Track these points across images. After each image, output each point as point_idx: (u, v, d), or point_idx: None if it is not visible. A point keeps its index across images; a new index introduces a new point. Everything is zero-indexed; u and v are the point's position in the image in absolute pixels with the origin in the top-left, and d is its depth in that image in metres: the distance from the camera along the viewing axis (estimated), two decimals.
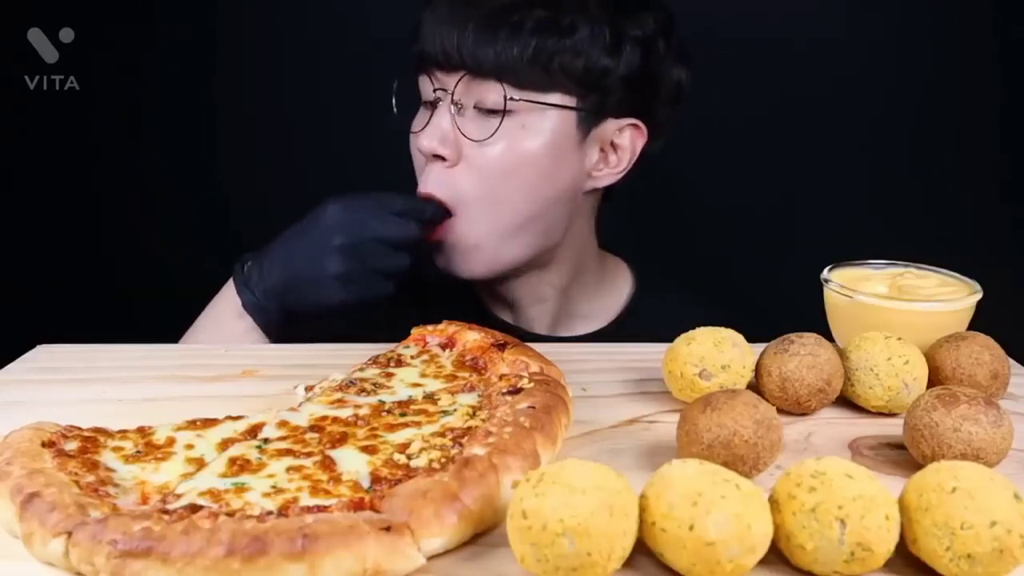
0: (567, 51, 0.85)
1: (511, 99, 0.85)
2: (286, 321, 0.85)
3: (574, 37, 0.85)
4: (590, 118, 0.90)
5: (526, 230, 0.90)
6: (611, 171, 0.94)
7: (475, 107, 0.87)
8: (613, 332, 1.01)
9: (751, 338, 0.64)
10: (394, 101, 0.92)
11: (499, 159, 0.87)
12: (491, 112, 0.86)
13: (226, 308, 0.86)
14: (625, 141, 0.93)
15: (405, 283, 0.87)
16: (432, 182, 0.88)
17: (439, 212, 0.87)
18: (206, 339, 0.86)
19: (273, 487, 0.47)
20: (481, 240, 0.89)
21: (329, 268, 0.82)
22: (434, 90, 0.88)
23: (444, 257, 0.91)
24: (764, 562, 0.42)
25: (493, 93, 0.85)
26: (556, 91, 0.87)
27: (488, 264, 0.91)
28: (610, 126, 0.92)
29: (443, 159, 0.87)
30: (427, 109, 0.91)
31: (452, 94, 0.86)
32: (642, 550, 0.43)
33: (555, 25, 0.85)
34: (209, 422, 0.55)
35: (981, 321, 0.69)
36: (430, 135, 0.87)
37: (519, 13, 0.84)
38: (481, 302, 1.03)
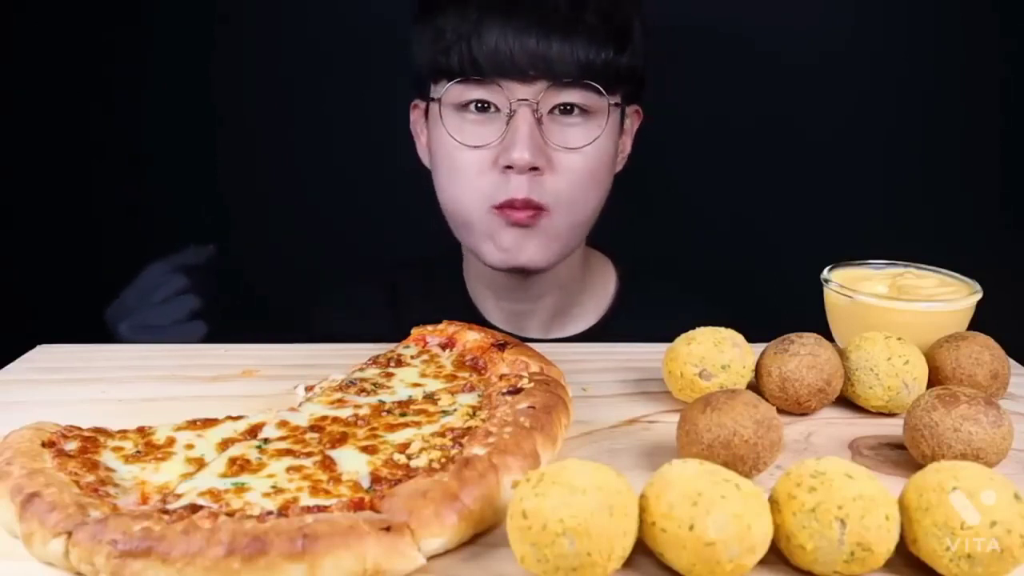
0: (629, 55, 0.88)
1: (614, 105, 0.88)
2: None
3: (633, 42, 0.89)
4: (622, 111, 0.93)
5: (586, 225, 0.94)
6: (623, 158, 0.98)
7: (549, 113, 0.87)
8: (601, 330, 1.02)
9: (751, 338, 0.64)
10: (439, 112, 0.90)
11: (587, 162, 0.88)
12: (569, 118, 0.87)
13: None
14: (629, 126, 0.97)
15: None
16: (526, 190, 0.87)
17: (208, 253, 0.96)
18: None
19: (273, 487, 0.47)
20: (559, 236, 0.90)
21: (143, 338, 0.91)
22: (511, 101, 0.85)
23: (514, 251, 0.90)
24: (764, 562, 0.42)
25: (574, 99, 0.86)
26: (618, 92, 0.90)
27: (553, 258, 0.92)
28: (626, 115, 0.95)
29: (536, 169, 0.86)
30: (473, 116, 0.88)
31: (538, 104, 0.85)
32: (642, 550, 0.43)
33: (619, 31, 0.88)
34: (209, 422, 0.55)
35: (981, 321, 0.69)
36: (524, 147, 0.84)
37: (590, 23, 0.86)
38: (475, 307, 1.03)
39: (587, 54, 0.85)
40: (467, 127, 0.88)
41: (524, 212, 0.87)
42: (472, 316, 1.01)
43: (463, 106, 0.88)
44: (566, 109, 0.87)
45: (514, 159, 0.84)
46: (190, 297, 0.93)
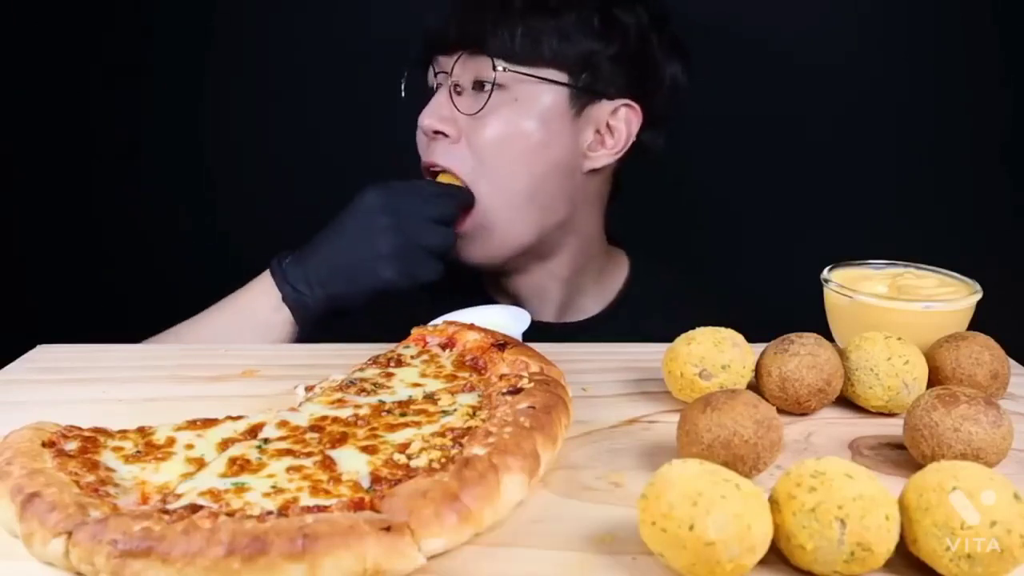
0: (554, 32, 0.91)
1: (500, 70, 0.90)
2: (326, 314, 0.86)
3: (560, 19, 0.91)
4: (582, 96, 0.94)
5: (527, 207, 0.94)
6: (607, 152, 0.97)
7: (472, 87, 0.92)
8: (609, 316, 1.04)
9: (751, 338, 0.64)
10: (403, 86, 0.98)
11: (493, 132, 0.92)
12: (485, 88, 0.91)
13: (261, 301, 0.87)
14: (620, 123, 0.97)
15: (451, 266, 0.91)
16: (435, 154, 0.93)
17: (470, 198, 0.91)
18: (229, 329, 0.86)
19: (273, 487, 0.47)
20: (488, 220, 0.93)
21: (379, 248, 0.84)
22: (436, 74, 0.94)
23: (456, 245, 0.94)
24: (764, 562, 0.42)
25: (487, 69, 0.91)
26: (546, 67, 0.92)
27: (497, 247, 0.94)
28: (605, 107, 0.95)
29: (445, 136, 0.92)
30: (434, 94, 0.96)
31: (451, 74, 0.92)
32: (644, 550, 0.43)
33: (543, 6, 0.91)
34: (209, 422, 0.55)
35: (981, 321, 0.69)
36: (429, 113, 0.92)
37: (511, 3, 0.90)
38: (490, 298, 1.05)
39: (491, 24, 0.90)
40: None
41: (430, 175, 0.93)
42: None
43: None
44: (482, 82, 0.91)
45: (420, 123, 0.93)
46: (450, 231, 0.88)
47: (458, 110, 0.92)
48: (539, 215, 0.95)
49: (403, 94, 0.97)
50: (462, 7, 0.92)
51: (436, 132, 0.92)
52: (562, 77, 0.92)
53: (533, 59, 0.91)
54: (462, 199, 0.91)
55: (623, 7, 0.94)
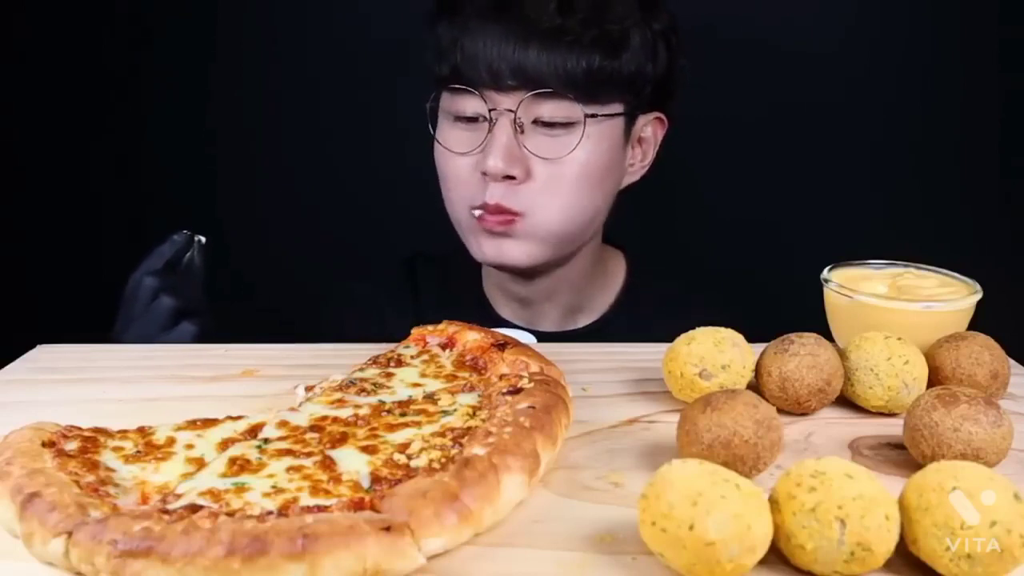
0: (625, 63, 0.87)
1: (590, 116, 0.86)
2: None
3: (629, 49, 0.88)
4: (631, 120, 0.93)
5: (578, 231, 0.93)
6: (640, 165, 0.98)
7: (534, 123, 0.87)
8: (610, 320, 1.04)
9: (751, 338, 0.64)
10: (430, 124, 0.93)
11: (570, 172, 0.88)
12: (553, 127, 0.87)
13: None
14: (649, 134, 0.97)
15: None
16: (499, 196, 0.88)
17: (176, 244, 0.88)
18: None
19: (273, 487, 0.47)
20: (541, 239, 0.91)
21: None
22: (490, 110, 0.87)
23: (494, 253, 0.91)
24: (764, 562, 0.42)
25: (556, 109, 0.86)
26: (614, 101, 0.89)
27: (537, 259, 0.92)
28: (640, 123, 0.95)
29: (512, 178, 0.87)
30: (462, 123, 0.90)
31: (516, 112, 0.86)
32: (644, 550, 0.43)
33: (609, 39, 0.86)
34: (209, 422, 0.55)
35: (981, 321, 0.69)
36: (497, 156, 0.86)
37: (575, 31, 0.85)
38: (488, 303, 1.04)
39: (567, 63, 0.85)
40: (456, 134, 0.90)
41: (496, 217, 0.88)
42: (485, 312, 1.02)
43: (455, 113, 0.90)
44: (549, 122, 0.87)
45: (488, 167, 0.86)
46: (163, 298, 0.85)
47: (530, 151, 0.87)
48: (580, 237, 0.95)
49: (431, 127, 0.93)
50: (528, 45, 0.85)
51: (508, 176, 0.87)
52: (620, 107, 0.90)
53: (606, 95, 0.88)
54: (171, 254, 0.87)
55: (656, 18, 0.92)
